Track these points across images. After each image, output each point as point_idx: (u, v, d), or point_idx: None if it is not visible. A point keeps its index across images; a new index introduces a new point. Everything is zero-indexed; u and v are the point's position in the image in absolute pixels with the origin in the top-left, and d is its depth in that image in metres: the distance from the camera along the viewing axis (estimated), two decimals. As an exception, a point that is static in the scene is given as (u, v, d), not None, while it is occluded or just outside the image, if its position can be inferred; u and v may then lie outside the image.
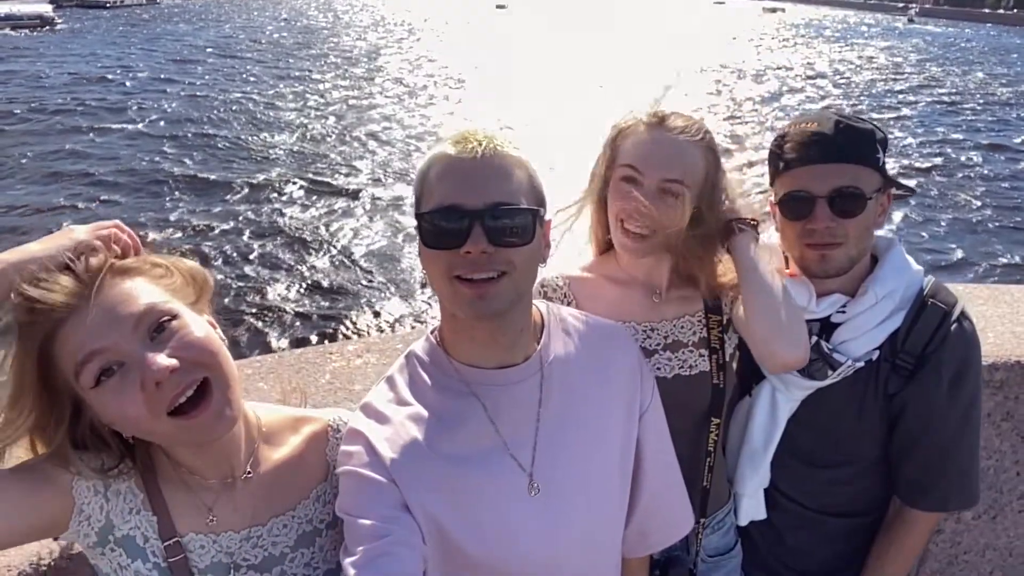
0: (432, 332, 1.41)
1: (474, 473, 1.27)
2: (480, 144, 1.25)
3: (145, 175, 11.91)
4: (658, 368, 1.67)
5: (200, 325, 1.17)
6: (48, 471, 1.17)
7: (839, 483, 1.82)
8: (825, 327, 1.74)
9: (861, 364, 1.69)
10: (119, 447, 1.21)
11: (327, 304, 7.82)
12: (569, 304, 1.71)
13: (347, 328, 7.31)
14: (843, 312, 1.71)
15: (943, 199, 11.15)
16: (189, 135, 14.28)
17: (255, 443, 1.32)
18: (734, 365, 1.78)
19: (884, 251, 1.77)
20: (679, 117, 1.61)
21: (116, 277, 1.14)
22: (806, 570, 1.92)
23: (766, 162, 1.78)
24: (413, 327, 6.92)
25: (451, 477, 1.25)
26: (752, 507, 1.86)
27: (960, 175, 11.73)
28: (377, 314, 7.44)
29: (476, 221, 1.20)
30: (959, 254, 9.40)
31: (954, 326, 1.66)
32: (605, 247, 1.80)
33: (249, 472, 1.29)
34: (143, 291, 1.14)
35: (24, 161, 12.35)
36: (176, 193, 11.25)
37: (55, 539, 1.20)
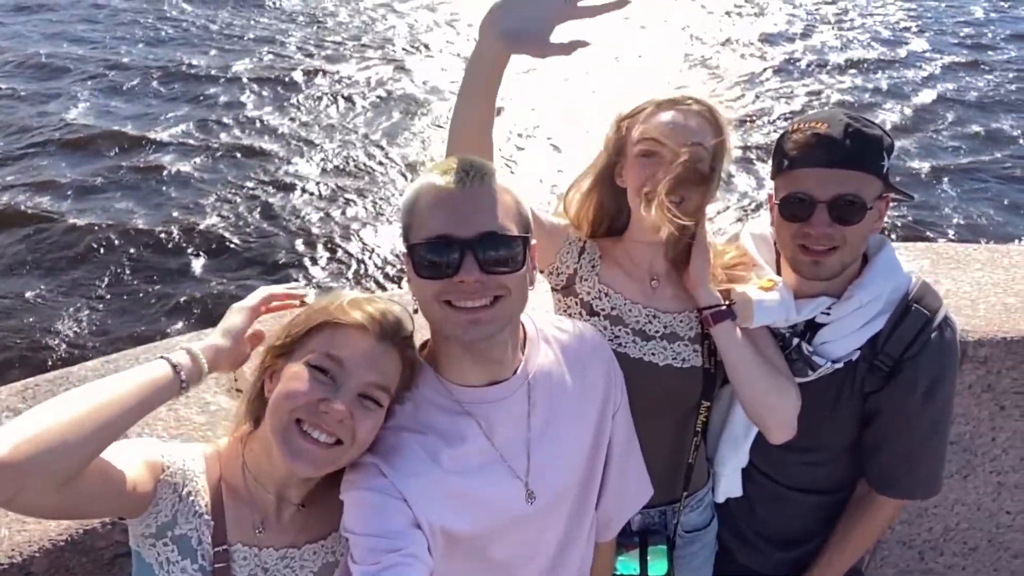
0: (420, 351, 1.46)
1: (476, 483, 1.37)
2: (468, 174, 1.27)
3: (126, 60, 11.25)
4: (653, 354, 1.74)
5: (379, 420, 1.35)
6: (149, 461, 1.31)
7: (810, 465, 1.91)
8: (809, 325, 1.77)
9: (840, 365, 1.73)
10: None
11: (326, 253, 7.23)
12: (594, 268, 1.80)
13: (348, 281, 6.77)
14: (828, 313, 1.73)
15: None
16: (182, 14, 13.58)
17: (316, 479, 1.40)
18: None
19: (875, 252, 1.76)
20: (685, 96, 1.68)
21: (386, 340, 1.34)
22: (773, 538, 2.04)
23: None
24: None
25: (456, 488, 1.35)
26: (730, 485, 1.96)
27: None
28: (380, 267, 7.05)
29: (468, 251, 1.24)
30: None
31: (934, 334, 1.68)
32: (605, 229, 1.86)
33: (303, 504, 1.41)
34: (393, 372, 1.35)
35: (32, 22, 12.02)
36: (167, 86, 10.59)
37: (120, 519, 1.35)
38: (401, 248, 1.37)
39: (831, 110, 1.70)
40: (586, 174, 1.84)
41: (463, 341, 1.30)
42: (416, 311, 1.36)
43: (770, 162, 1.79)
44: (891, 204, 1.74)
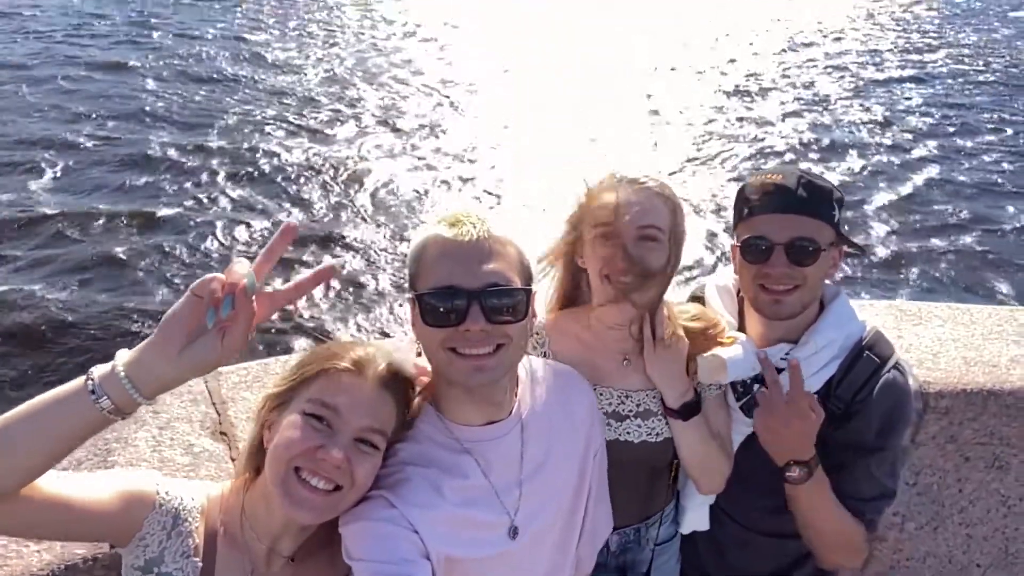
0: (420, 392, 1.53)
1: (472, 517, 1.43)
2: (474, 226, 1.36)
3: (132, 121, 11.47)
4: (628, 433, 1.80)
5: (377, 463, 1.38)
6: (135, 495, 1.33)
7: (775, 509, 1.97)
8: None
9: None
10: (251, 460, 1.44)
11: (317, 304, 7.15)
12: (544, 355, 1.82)
13: (338, 333, 6.70)
14: (786, 359, 1.83)
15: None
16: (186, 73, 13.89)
17: (309, 531, 1.44)
18: None
19: (829, 300, 1.88)
20: (640, 175, 1.73)
21: (381, 384, 1.38)
22: None
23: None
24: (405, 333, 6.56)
25: (457, 520, 1.41)
26: (696, 519, 2.02)
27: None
28: (369, 316, 6.75)
29: (474, 301, 1.32)
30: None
31: (884, 378, 1.78)
32: (566, 303, 1.91)
33: (293, 559, 1.42)
34: (388, 415, 1.39)
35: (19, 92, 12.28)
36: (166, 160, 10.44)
37: (111, 547, 1.37)
38: (396, 303, 1.44)
39: (785, 166, 1.85)
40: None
41: (467, 386, 1.37)
42: (419, 355, 1.43)
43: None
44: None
